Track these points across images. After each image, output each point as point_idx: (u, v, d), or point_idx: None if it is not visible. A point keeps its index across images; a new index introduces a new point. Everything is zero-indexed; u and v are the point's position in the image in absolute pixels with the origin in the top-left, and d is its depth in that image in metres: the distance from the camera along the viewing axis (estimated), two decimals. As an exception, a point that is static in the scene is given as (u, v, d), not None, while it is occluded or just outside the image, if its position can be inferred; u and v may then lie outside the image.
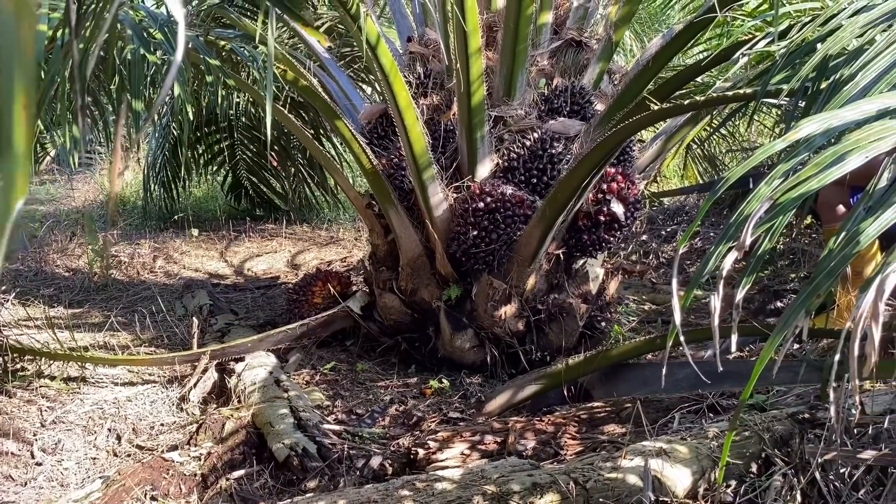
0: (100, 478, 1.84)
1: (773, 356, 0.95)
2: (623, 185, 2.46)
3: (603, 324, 2.68)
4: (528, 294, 2.54)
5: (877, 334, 0.86)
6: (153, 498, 1.72)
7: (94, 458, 2.02)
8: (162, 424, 2.22)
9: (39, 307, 3.32)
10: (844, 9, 1.47)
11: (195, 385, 2.41)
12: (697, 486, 1.46)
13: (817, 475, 1.38)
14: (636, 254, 4.27)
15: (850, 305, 2.25)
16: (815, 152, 1.03)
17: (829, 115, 1.05)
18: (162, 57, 2.22)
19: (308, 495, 1.59)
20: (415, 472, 1.68)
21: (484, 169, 2.49)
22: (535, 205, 2.40)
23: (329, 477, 1.77)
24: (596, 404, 2.11)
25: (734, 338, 1.01)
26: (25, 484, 1.86)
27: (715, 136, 4.62)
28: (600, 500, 1.36)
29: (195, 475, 1.82)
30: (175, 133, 5.21)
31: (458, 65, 2.24)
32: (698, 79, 3.15)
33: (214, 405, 2.33)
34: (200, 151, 5.66)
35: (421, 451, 1.79)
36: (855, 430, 1.48)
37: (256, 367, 2.42)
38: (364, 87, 4.42)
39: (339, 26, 3.99)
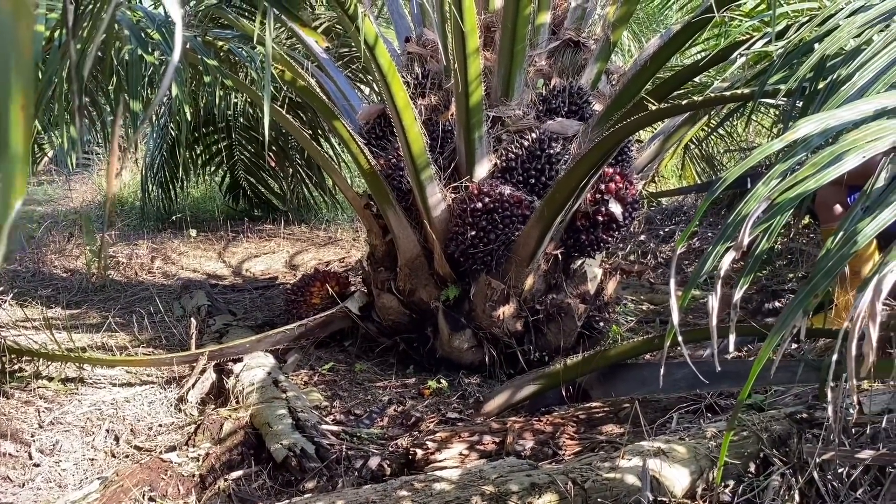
0: (98, 479, 1.84)
1: (771, 356, 0.96)
2: (621, 185, 2.46)
3: (601, 324, 2.68)
4: (527, 294, 2.54)
5: (874, 334, 0.86)
6: (151, 499, 1.72)
7: (92, 459, 2.01)
8: (160, 425, 2.22)
9: (37, 308, 3.32)
10: (842, 9, 1.48)
11: (193, 386, 2.40)
12: (696, 486, 1.46)
13: (815, 475, 1.38)
14: (634, 254, 4.27)
15: (848, 305, 2.25)
16: (813, 152, 1.03)
17: (827, 116, 1.05)
18: (159, 57, 2.22)
19: (306, 496, 1.59)
20: (413, 473, 1.68)
21: (482, 169, 2.49)
22: (533, 205, 2.41)
23: (327, 477, 1.77)
24: (594, 404, 2.11)
25: (732, 338, 1.02)
26: (23, 485, 1.86)
27: (713, 136, 4.62)
28: (598, 500, 1.36)
29: (193, 476, 1.82)
30: (173, 133, 5.20)
31: (456, 65, 2.24)
32: (696, 79, 3.16)
33: (213, 406, 2.33)
34: (198, 152, 5.65)
35: (419, 452, 1.79)
36: (853, 430, 1.48)
37: (255, 367, 2.42)
38: (362, 87, 4.41)
39: (337, 27, 3.99)
